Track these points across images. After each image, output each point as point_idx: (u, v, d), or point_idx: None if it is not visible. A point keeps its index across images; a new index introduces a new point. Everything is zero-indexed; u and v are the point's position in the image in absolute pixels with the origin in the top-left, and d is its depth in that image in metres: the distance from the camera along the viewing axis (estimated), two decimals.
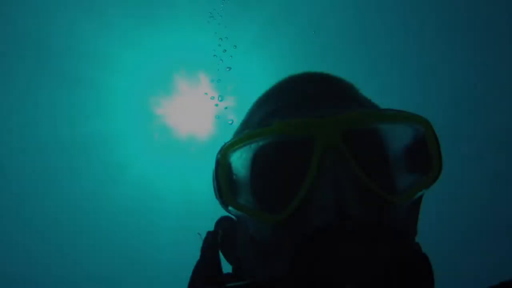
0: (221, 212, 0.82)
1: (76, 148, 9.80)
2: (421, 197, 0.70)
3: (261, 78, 8.79)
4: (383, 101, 0.86)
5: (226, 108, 8.73)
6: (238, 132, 0.85)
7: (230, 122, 8.63)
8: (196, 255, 0.78)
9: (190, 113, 9.39)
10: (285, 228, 0.63)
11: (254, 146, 0.67)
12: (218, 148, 0.70)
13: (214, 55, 8.04)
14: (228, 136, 0.80)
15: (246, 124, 0.84)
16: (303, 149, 0.64)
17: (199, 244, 0.79)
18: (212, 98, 8.62)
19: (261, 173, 0.68)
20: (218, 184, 0.67)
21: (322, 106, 0.72)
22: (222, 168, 0.67)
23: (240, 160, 0.68)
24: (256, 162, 0.68)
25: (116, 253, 11.24)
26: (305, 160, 0.63)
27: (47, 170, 10.09)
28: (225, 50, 7.92)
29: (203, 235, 0.81)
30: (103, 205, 10.56)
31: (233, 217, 0.81)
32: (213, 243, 0.78)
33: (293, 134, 0.65)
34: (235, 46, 8.02)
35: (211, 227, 0.87)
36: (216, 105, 8.64)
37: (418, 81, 9.51)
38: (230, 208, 0.67)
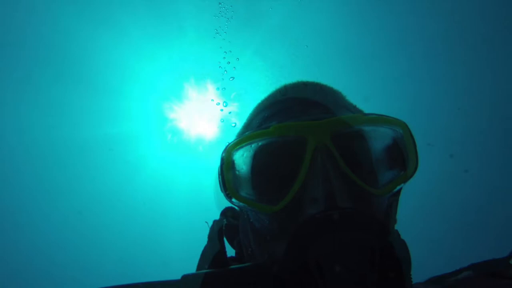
0: (225, 204, 0.83)
1: (99, 147, 9.85)
2: (400, 190, 0.71)
3: (260, 87, 8.81)
4: (368, 106, 0.86)
5: (230, 113, 8.72)
6: (240, 134, 0.84)
7: (233, 124, 8.60)
8: (204, 240, 0.78)
9: (199, 116, 9.44)
10: (281, 217, 0.63)
11: (254, 146, 0.68)
12: (223, 147, 0.70)
13: (220, 66, 8.06)
14: (231, 137, 0.80)
15: (247, 126, 0.84)
16: (297, 149, 0.64)
17: (206, 231, 0.80)
18: (218, 104, 8.63)
19: (260, 169, 0.68)
20: (223, 179, 0.67)
21: (314, 111, 0.72)
22: (227, 165, 0.67)
23: (242, 158, 0.69)
24: (256, 159, 0.68)
25: (132, 240, 11.27)
26: (299, 158, 0.63)
27: (73, 167, 10.14)
28: (229, 62, 7.92)
29: (210, 223, 0.81)
30: (122, 198, 10.59)
31: (236, 207, 0.82)
32: (219, 230, 0.78)
33: (288, 135, 0.65)
34: (238, 58, 8.03)
35: (216, 216, 0.87)
36: (221, 110, 8.64)
37: (398, 88, 9.55)
38: (233, 199, 0.67)
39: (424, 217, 9.90)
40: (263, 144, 0.67)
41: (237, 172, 0.68)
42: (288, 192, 0.62)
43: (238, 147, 0.68)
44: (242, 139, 0.67)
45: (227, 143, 0.70)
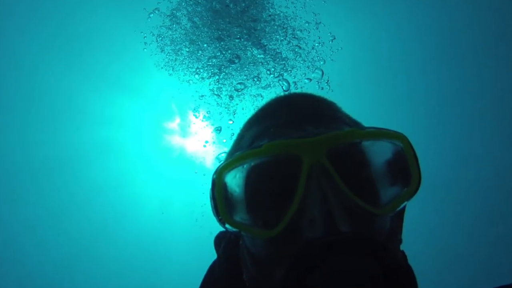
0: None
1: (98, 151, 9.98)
2: (404, 207, 0.65)
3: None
4: (362, 116, 0.82)
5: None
6: (231, 153, 0.79)
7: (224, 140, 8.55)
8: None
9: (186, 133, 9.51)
10: (278, 242, 0.58)
11: (246, 166, 0.62)
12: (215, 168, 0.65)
13: None
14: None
15: (238, 144, 0.78)
16: (291, 168, 0.59)
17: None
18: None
19: (254, 191, 0.62)
20: (214, 203, 0.61)
21: (307, 126, 0.66)
22: (218, 188, 0.62)
23: (234, 180, 0.63)
24: (249, 181, 0.63)
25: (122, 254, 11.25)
26: (294, 178, 0.58)
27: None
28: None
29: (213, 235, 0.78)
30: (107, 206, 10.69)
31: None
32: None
33: (281, 154, 0.60)
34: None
35: (214, 232, 0.82)
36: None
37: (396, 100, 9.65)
38: (227, 225, 0.61)
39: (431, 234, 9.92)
40: (255, 164, 0.62)
41: (229, 195, 0.63)
42: (284, 215, 0.57)
43: (229, 168, 0.63)
44: (233, 160, 0.62)
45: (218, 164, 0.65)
